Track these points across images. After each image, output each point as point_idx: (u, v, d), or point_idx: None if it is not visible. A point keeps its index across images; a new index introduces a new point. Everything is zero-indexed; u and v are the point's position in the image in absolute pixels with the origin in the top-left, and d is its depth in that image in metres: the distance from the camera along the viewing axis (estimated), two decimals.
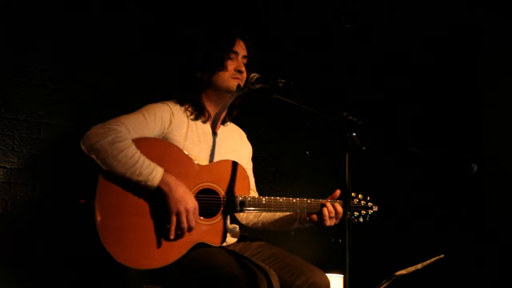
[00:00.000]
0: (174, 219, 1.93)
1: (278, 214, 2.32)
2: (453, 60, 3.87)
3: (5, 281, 2.62)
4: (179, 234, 1.95)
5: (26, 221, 2.71)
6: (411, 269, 2.36)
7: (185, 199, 1.93)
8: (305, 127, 3.87)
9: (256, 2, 3.73)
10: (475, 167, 1.69)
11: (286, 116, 3.76)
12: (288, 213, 2.29)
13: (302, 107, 1.91)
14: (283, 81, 1.98)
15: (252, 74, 2.15)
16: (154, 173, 1.90)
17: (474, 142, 3.67)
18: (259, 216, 2.37)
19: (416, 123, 4.02)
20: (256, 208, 2.16)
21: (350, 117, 1.70)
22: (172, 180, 1.93)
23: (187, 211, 1.93)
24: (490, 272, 3.42)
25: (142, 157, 1.91)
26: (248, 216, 2.40)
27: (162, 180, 1.91)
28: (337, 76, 4.15)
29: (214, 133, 2.26)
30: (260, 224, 2.37)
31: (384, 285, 2.33)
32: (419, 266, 2.38)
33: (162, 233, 1.95)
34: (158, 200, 1.94)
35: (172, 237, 1.93)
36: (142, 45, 3.18)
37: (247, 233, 2.36)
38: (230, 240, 2.23)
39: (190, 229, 1.96)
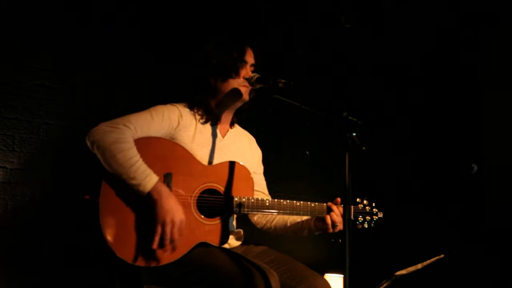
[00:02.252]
0: (159, 228, 1.90)
1: (290, 220, 2.33)
2: (453, 59, 3.87)
3: (6, 281, 2.62)
4: (161, 245, 1.92)
5: (26, 221, 2.71)
6: (411, 269, 2.36)
7: (174, 211, 1.91)
8: (305, 127, 3.88)
9: (256, 2, 3.73)
10: (475, 167, 1.69)
11: (286, 116, 3.76)
12: (299, 221, 2.31)
13: (302, 107, 1.91)
14: (283, 81, 1.99)
15: (252, 74, 2.17)
16: (148, 179, 1.90)
17: (474, 142, 3.67)
18: (272, 221, 2.38)
19: (416, 123, 4.02)
20: (259, 210, 2.17)
21: (350, 117, 1.70)
22: (164, 190, 1.92)
23: (172, 223, 1.90)
24: (490, 272, 3.42)
25: (140, 162, 1.91)
26: (261, 221, 2.41)
27: (155, 187, 1.90)
28: (337, 76, 4.15)
29: (223, 137, 2.29)
30: (273, 229, 2.38)
31: (384, 285, 2.33)
32: (419, 266, 2.38)
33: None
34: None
35: (154, 247, 1.90)
36: (142, 45, 3.18)
37: (250, 237, 2.37)
38: (233, 243, 2.23)
39: (172, 241, 1.92)
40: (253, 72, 2.25)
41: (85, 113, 2.89)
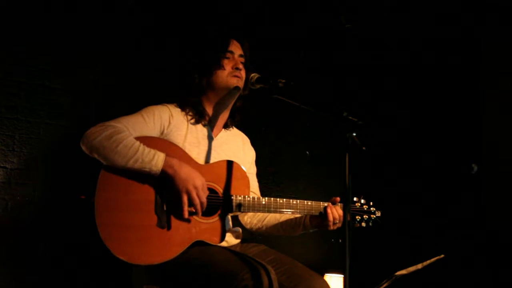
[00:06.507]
0: (185, 198, 1.95)
1: (283, 219, 2.32)
2: (453, 60, 3.87)
3: (5, 281, 2.62)
4: (194, 212, 1.98)
5: (26, 221, 2.71)
6: (411, 269, 2.36)
7: (192, 177, 1.96)
8: (305, 127, 3.88)
9: (256, 2, 3.73)
10: (475, 167, 1.69)
11: (286, 116, 3.76)
12: (292, 218, 2.30)
13: (302, 107, 1.91)
14: (283, 81, 1.98)
15: (252, 74, 2.15)
16: (156, 158, 1.92)
17: (474, 142, 3.67)
18: (263, 221, 2.38)
19: (416, 123, 4.02)
20: (256, 209, 2.16)
21: (350, 117, 1.70)
22: (175, 162, 1.95)
23: (196, 188, 1.96)
24: (490, 272, 3.42)
25: (142, 146, 1.93)
26: (252, 221, 2.41)
27: (165, 163, 1.93)
28: (337, 76, 4.16)
29: (215, 137, 2.27)
30: (264, 229, 2.38)
31: (384, 285, 2.33)
32: (419, 266, 2.38)
33: (161, 230, 1.96)
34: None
35: (186, 216, 1.96)
36: (142, 45, 3.18)
37: (249, 237, 2.36)
38: (232, 241, 2.23)
39: (202, 205, 1.98)
40: (245, 63, 2.25)
41: (85, 113, 2.89)
